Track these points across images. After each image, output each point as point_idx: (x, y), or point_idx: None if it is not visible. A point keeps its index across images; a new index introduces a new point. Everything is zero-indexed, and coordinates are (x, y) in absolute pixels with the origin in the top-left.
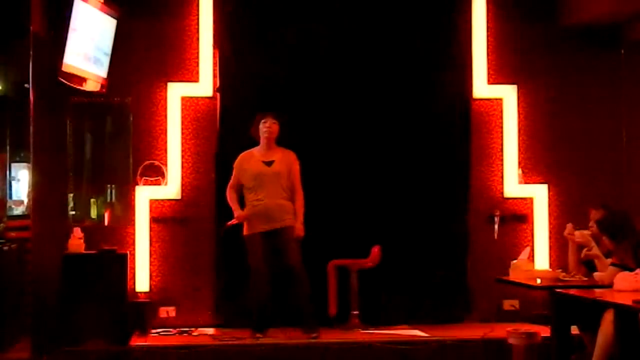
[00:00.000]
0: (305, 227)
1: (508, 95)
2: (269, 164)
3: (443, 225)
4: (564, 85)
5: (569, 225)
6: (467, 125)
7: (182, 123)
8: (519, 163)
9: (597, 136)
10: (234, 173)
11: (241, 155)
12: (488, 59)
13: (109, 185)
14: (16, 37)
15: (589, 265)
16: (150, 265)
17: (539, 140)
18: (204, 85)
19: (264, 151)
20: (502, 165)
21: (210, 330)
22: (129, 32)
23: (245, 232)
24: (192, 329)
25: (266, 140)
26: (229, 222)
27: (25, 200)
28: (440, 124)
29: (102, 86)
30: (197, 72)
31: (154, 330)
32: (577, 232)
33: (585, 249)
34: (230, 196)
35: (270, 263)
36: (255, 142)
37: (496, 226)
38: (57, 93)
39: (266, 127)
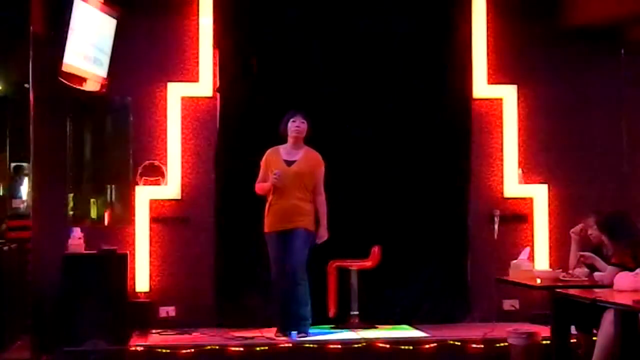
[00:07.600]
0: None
1: (508, 95)
2: (289, 163)
3: (443, 225)
4: (564, 85)
5: (579, 226)
6: (467, 125)
7: (182, 123)
8: (519, 163)
9: (597, 136)
10: (261, 169)
11: (268, 150)
12: (488, 59)
13: (109, 185)
14: (16, 37)
15: (590, 265)
16: (150, 265)
17: (539, 140)
18: (204, 85)
19: (289, 150)
20: (502, 165)
21: (210, 330)
22: (129, 32)
23: (264, 229)
24: (192, 328)
25: (294, 139)
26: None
27: (25, 200)
28: (440, 124)
29: (102, 86)
30: (197, 72)
31: (154, 330)
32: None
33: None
34: (258, 186)
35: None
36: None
37: (496, 226)
38: (57, 93)
39: (295, 126)
